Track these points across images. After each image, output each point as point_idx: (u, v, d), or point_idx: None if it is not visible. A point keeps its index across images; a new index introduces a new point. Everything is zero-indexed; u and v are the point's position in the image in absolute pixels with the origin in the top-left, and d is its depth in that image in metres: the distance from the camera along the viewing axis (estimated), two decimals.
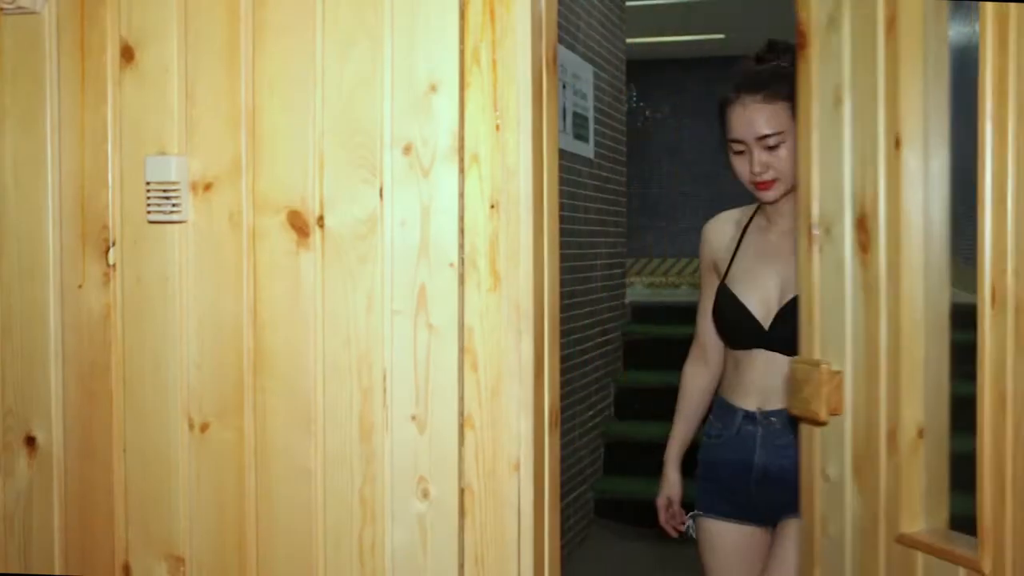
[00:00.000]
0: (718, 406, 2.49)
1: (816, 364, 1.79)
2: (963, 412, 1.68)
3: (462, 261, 1.55)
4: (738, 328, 2.38)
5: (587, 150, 5.46)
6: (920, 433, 1.68)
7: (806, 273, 1.85)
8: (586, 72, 5.44)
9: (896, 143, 1.68)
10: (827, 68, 1.79)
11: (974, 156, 1.51)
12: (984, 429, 1.51)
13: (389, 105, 1.57)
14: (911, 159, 1.67)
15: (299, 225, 1.61)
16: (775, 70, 2.28)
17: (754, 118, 2.24)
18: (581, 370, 5.43)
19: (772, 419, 2.34)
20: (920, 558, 1.64)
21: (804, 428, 1.87)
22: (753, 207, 2.47)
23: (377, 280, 1.58)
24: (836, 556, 1.81)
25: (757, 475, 2.36)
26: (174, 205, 1.65)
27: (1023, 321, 1.46)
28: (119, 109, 1.70)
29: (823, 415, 1.78)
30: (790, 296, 2.26)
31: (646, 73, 12.05)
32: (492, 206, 1.54)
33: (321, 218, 1.60)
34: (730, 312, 2.39)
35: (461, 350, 1.55)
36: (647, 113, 12.72)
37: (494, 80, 1.54)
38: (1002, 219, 1.48)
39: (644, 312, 6.95)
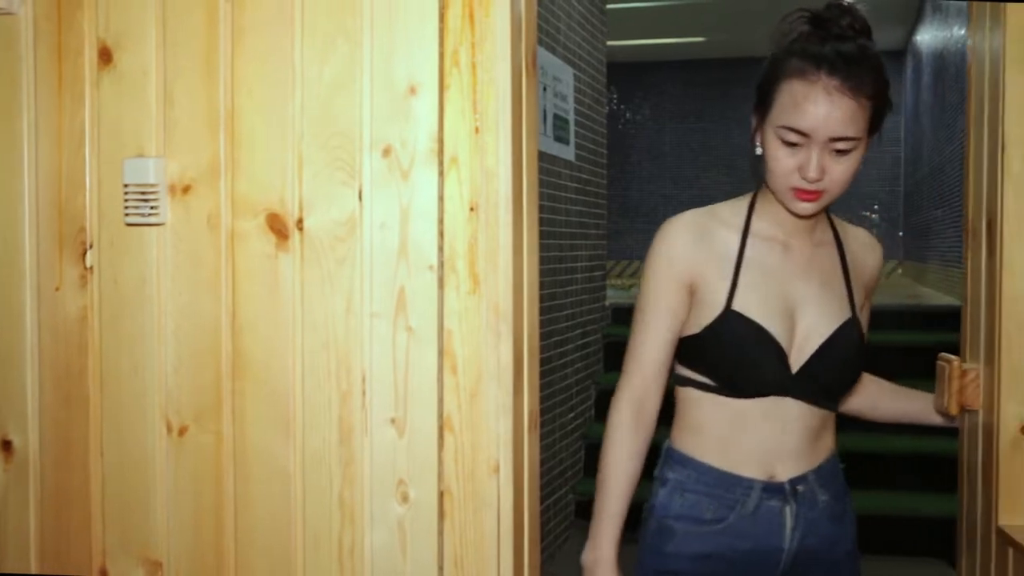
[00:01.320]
0: (703, 477, 1.83)
1: (948, 360, 1.97)
2: None
3: (441, 264, 1.55)
4: (757, 370, 1.77)
5: (568, 152, 5.46)
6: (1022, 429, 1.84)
7: (975, 276, 2.01)
8: (566, 74, 5.45)
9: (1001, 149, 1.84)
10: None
11: None
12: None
13: (368, 107, 1.56)
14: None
15: (278, 227, 1.60)
16: (863, 51, 1.70)
17: (834, 112, 1.66)
18: (561, 372, 5.44)
19: (800, 487, 1.83)
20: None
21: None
22: (741, 207, 1.88)
23: (356, 283, 1.57)
24: None
25: (786, 566, 1.84)
26: (152, 207, 1.64)
27: None
28: (97, 111, 1.69)
29: (953, 409, 1.97)
30: (825, 332, 1.80)
31: (627, 75, 12.08)
32: (471, 209, 1.54)
33: (300, 220, 1.59)
34: (747, 348, 1.77)
35: (440, 353, 1.55)
36: (628, 115, 12.75)
37: (473, 83, 1.54)
38: None
39: (625, 314, 6.95)
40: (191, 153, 1.65)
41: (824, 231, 1.90)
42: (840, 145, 1.68)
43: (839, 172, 1.70)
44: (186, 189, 1.65)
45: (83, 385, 1.70)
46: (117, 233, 1.69)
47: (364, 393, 1.57)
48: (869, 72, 1.68)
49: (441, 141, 1.54)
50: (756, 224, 1.84)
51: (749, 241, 1.82)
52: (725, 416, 1.81)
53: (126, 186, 1.65)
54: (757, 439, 1.79)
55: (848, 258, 1.89)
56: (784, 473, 1.80)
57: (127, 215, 1.66)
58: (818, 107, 1.66)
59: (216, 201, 1.64)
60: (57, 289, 1.72)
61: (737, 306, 1.78)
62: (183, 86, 1.65)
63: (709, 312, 1.79)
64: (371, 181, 1.56)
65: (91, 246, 1.70)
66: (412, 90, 1.55)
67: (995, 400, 1.84)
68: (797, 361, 1.78)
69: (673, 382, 1.89)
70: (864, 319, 1.90)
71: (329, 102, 1.58)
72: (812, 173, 1.68)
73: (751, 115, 1.80)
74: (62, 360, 1.72)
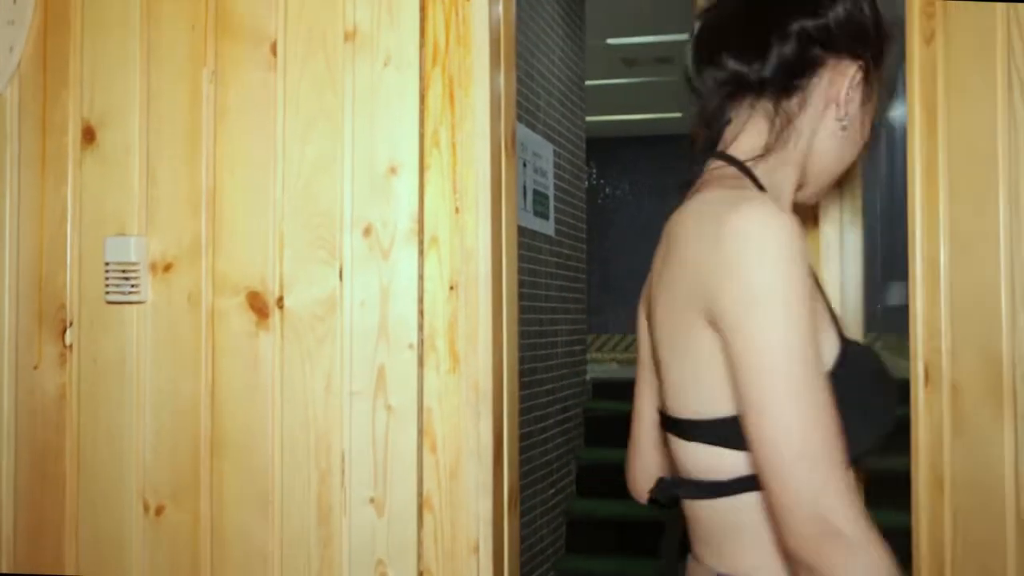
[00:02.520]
0: None
1: None
2: None
3: (421, 342, 1.55)
4: (881, 421, 1.21)
5: (548, 227, 5.50)
6: None
7: None
8: (546, 150, 5.51)
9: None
10: None
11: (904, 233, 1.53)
12: (919, 510, 1.50)
13: (349, 187, 1.58)
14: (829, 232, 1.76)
15: (258, 306, 1.61)
16: None
17: None
18: (542, 447, 5.41)
19: None
20: None
21: None
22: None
23: (336, 361, 1.57)
24: None
25: None
26: (133, 285, 1.65)
27: (960, 401, 1.45)
28: (79, 189, 1.70)
29: None
30: None
31: (605, 151, 12.21)
32: (451, 287, 1.55)
33: (280, 299, 1.60)
34: (885, 395, 1.23)
35: (420, 431, 1.54)
36: (607, 190, 12.86)
37: (453, 163, 1.55)
38: (934, 297, 1.48)
39: (605, 388, 6.95)
40: (173, 231, 1.66)
41: None
42: None
43: None
44: (167, 267, 1.66)
45: (60, 464, 1.69)
46: (97, 311, 1.69)
47: (343, 472, 1.57)
48: None
49: (421, 221, 1.56)
50: None
51: None
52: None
53: (107, 264, 1.66)
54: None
55: None
56: None
57: (108, 293, 1.66)
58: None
59: (197, 279, 1.64)
60: (36, 367, 1.71)
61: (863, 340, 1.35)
62: (166, 165, 1.67)
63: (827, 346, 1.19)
64: (352, 260, 1.57)
65: (71, 324, 1.70)
66: (393, 170, 1.56)
67: None
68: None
69: None
70: None
71: (311, 182, 1.60)
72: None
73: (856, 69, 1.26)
74: (39, 439, 1.70)
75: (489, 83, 1.55)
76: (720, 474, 1.16)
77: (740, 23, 1.26)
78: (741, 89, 1.25)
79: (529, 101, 5.16)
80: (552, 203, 5.64)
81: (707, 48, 1.28)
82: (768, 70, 1.23)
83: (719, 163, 1.25)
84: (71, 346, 1.70)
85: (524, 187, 5.01)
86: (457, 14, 1.56)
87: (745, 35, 1.25)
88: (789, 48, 1.22)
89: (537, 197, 5.29)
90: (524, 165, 5.00)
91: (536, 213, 5.27)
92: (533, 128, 5.25)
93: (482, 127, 1.55)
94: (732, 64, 1.24)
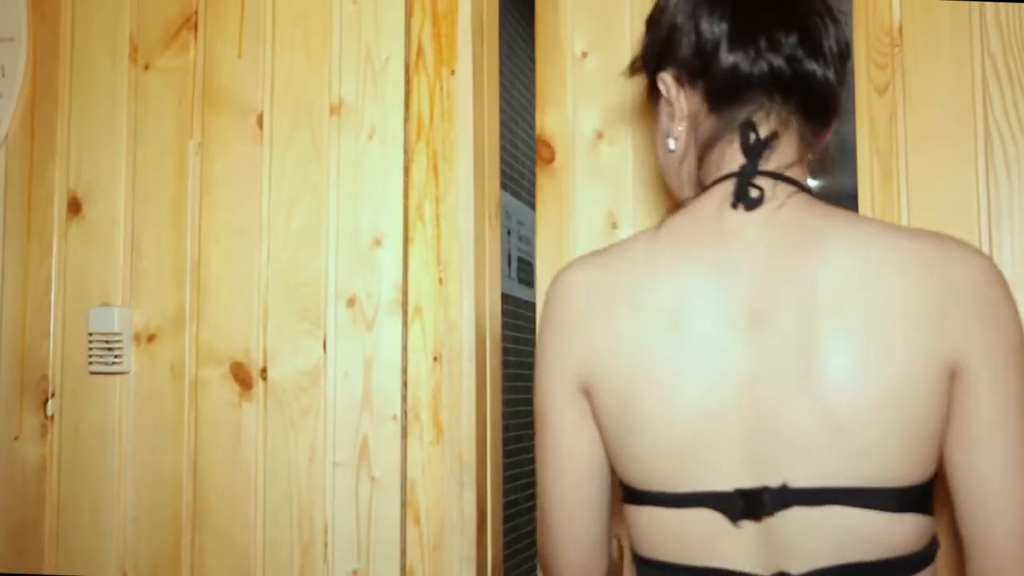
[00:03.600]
0: None
1: None
2: None
3: (405, 413, 1.55)
4: None
5: (532, 295, 5.51)
6: None
7: None
8: (530, 218, 5.54)
9: None
10: None
11: None
12: None
13: (333, 258, 1.59)
14: None
15: (242, 377, 1.61)
16: None
17: None
18: (528, 516, 5.37)
19: None
20: None
21: None
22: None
23: (319, 432, 1.57)
24: None
25: None
26: (116, 356, 1.64)
27: None
28: (64, 260, 1.71)
29: None
30: None
31: None
32: (435, 358, 1.55)
33: (264, 370, 1.60)
34: None
35: (403, 503, 1.54)
36: None
37: (437, 234, 1.57)
38: None
39: None
40: (157, 302, 1.66)
41: None
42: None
43: None
44: (151, 338, 1.66)
45: (38, 539, 1.67)
46: (80, 381, 1.68)
47: (326, 545, 1.55)
48: None
49: (405, 292, 1.56)
50: None
51: None
52: None
53: (91, 335, 1.66)
54: None
55: None
56: None
57: (91, 363, 1.66)
58: None
59: (181, 350, 1.64)
60: (16, 438, 1.70)
61: None
62: (151, 236, 1.67)
63: None
64: (336, 331, 1.58)
65: (53, 394, 1.69)
66: (377, 242, 1.57)
67: None
68: None
69: None
70: None
71: (295, 253, 1.61)
72: None
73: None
74: (17, 512, 1.69)
75: (473, 157, 1.57)
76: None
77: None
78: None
79: (513, 169, 5.20)
80: (536, 270, 5.64)
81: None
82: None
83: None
84: (52, 417, 1.69)
85: (508, 255, 5.03)
86: (441, 88, 1.59)
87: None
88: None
89: (521, 265, 5.31)
90: (508, 233, 5.03)
91: (520, 280, 5.28)
92: (518, 196, 5.29)
93: (466, 199, 1.57)
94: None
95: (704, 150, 1.09)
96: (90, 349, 1.66)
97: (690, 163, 1.12)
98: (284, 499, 1.57)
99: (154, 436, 1.64)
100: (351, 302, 1.57)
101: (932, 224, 1.46)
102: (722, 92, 1.07)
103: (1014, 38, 1.51)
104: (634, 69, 1.18)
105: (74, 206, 1.71)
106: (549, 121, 1.73)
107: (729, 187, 1.06)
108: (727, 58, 1.06)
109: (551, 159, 1.74)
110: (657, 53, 1.14)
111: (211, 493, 1.60)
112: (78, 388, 1.68)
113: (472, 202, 1.57)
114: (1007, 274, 1.16)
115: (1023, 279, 1.47)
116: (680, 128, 1.12)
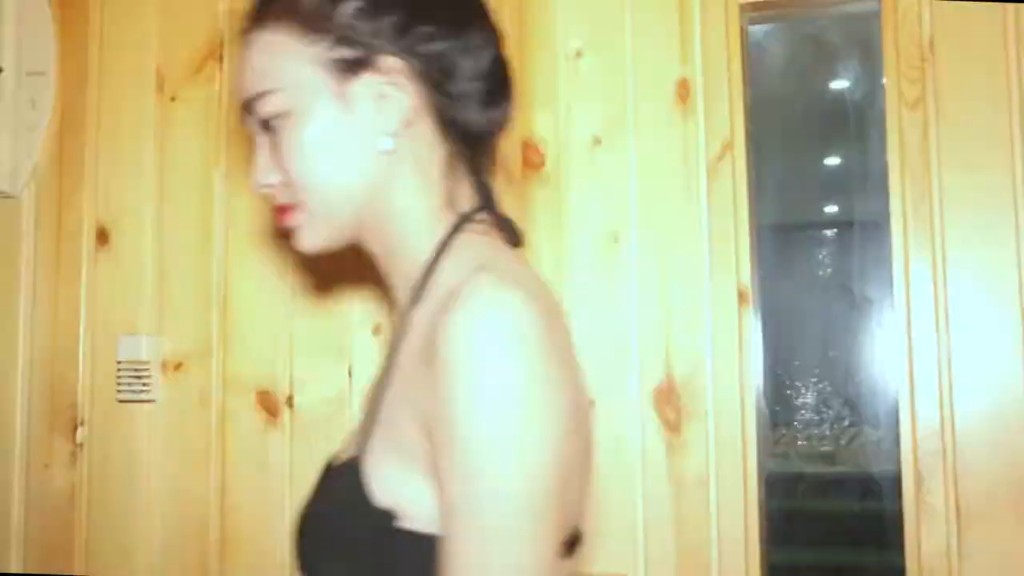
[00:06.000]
0: None
1: None
2: None
3: None
4: None
5: None
6: None
7: None
8: None
9: None
10: None
11: None
12: None
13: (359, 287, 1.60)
14: None
15: (268, 405, 1.62)
16: None
17: (244, 65, 0.92)
18: None
19: None
20: None
21: None
22: None
23: None
24: None
25: None
26: (144, 384, 1.66)
27: None
28: (92, 289, 1.73)
29: None
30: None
31: None
32: None
33: (291, 398, 1.61)
34: None
35: None
36: None
37: None
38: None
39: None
40: (185, 331, 1.67)
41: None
42: (260, 109, 0.90)
43: (286, 158, 0.89)
44: (178, 366, 1.67)
45: (68, 564, 1.68)
46: (109, 410, 1.70)
47: None
48: None
49: None
50: None
51: None
52: None
53: (119, 363, 1.67)
54: None
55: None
56: None
57: (119, 392, 1.67)
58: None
59: (207, 378, 1.65)
60: (46, 466, 1.71)
61: None
62: (178, 264, 1.69)
63: None
64: (361, 358, 1.58)
65: (82, 422, 1.71)
66: None
67: None
68: None
69: None
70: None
71: (321, 281, 1.61)
72: (258, 172, 0.92)
73: None
74: (48, 538, 1.70)
75: None
76: None
77: None
78: None
79: None
80: None
81: None
82: None
83: None
84: (82, 444, 1.71)
85: None
86: None
87: None
88: None
89: None
90: None
91: None
92: None
93: None
94: None
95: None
96: (118, 377, 1.68)
97: None
98: None
99: (181, 464, 1.65)
100: (376, 329, 1.58)
101: (967, 245, 1.42)
102: None
103: None
104: None
105: (102, 236, 1.73)
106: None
107: None
108: None
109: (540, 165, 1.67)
110: None
111: (239, 521, 1.61)
112: (107, 416, 1.70)
113: None
114: None
115: None
116: None
